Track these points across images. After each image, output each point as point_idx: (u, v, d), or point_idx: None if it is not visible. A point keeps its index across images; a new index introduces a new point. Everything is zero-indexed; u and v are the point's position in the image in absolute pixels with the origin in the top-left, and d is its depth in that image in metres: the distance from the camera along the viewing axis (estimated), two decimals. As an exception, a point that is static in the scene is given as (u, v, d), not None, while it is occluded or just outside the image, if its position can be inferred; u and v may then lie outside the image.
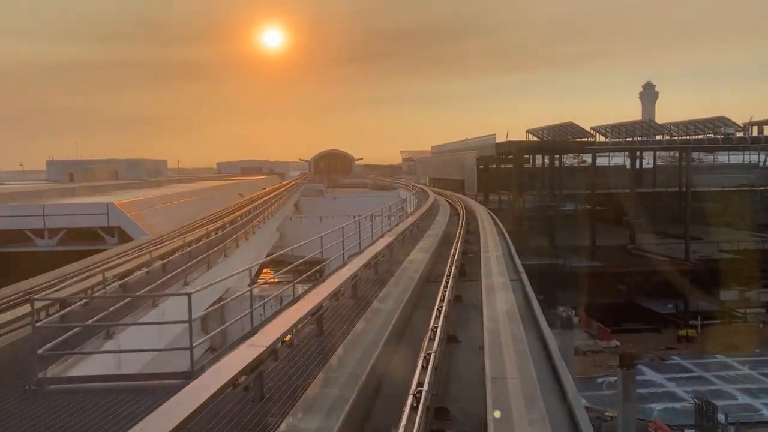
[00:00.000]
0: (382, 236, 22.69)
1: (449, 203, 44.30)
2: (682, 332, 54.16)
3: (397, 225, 26.66)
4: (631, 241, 68.23)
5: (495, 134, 60.49)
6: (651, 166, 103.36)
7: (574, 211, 59.73)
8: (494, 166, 71.84)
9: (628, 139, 61.68)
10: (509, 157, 64.61)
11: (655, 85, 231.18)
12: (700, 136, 60.28)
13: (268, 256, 36.05)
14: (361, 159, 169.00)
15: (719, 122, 67.47)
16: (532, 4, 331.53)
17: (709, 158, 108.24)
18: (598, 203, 63.58)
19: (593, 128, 70.41)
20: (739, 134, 72.47)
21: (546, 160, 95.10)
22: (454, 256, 18.57)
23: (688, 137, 62.14)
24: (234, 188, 77.52)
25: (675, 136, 67.66)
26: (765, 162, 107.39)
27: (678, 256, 61.68)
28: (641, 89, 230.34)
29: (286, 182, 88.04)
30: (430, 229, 26.20)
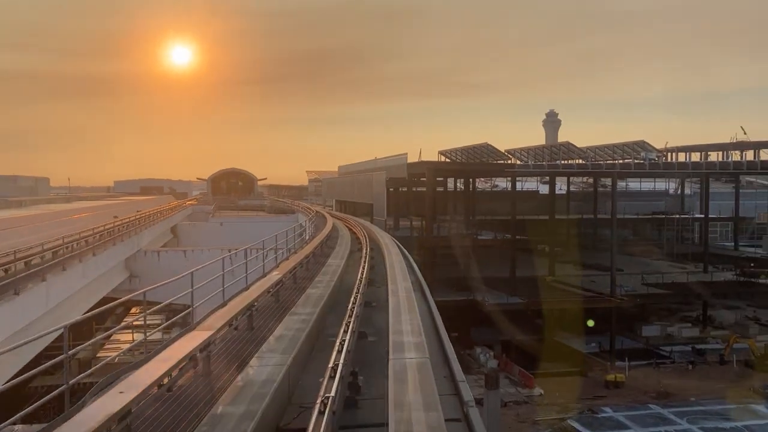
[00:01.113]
0: (245, 290, 14.89)
1: (350, 231, 36.83)
2: (610, 377, 48.73)
3: (279, 265, 18.93)
4: (550, 272, 62.99)
5: (407, 153, 53.98)
6: (564, 191, 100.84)
7: (493, 241, 53.70)
8: (405, 189, 65.49)
9: (549, 163, 56.51)
10: (422, 179, 58.19)
11: (557, 113, 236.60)
12: (626, 160, 55.87)
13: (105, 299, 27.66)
14: (265, 179, 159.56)
15: (638, 146, 63.91)
16: (441, 32, 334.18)
17: (621, 184, 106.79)
18: (517, 231, 57.94)
19: (508, 151, 65.34)
20: (654, 159, 69.68)
21: (460, 184, 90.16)
22: (351, 314, 11.18)
23: (614, 161, 57.62)
24: (110, 209, 67.18)
25: (594, 161, 63.22)
26: (677, 189, 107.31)
27: (602, 290, 56.72)
28: (544, 117, 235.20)
29: (173, 203, 78.18)
30: (319, 275, 18.47)
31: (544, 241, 63.68)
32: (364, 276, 16.61)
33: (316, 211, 48.08)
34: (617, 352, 54.05)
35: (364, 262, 19.14)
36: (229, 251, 27.65)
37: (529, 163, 52.39)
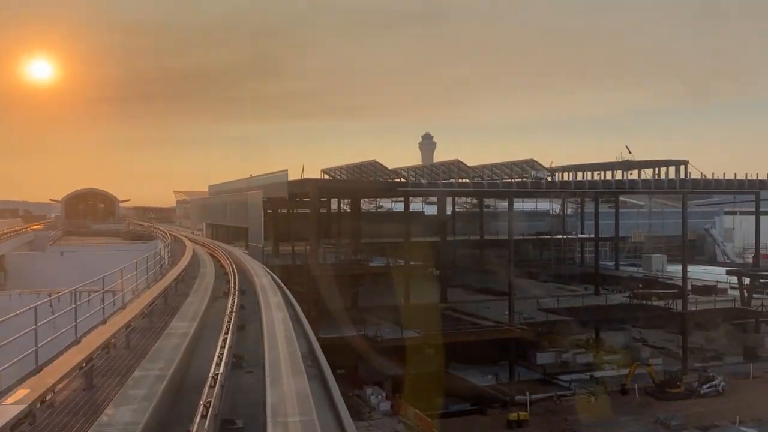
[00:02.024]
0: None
1: (216, 264, 30.02)
2: (513, 416, 44.52)
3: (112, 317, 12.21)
4: (442, 299, 58.47)
5: (287, 170, 47.65)
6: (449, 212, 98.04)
7: (385, 267, 48.29)
8: (286, 210, 59.03)
9: (444, 182, 52.11)
10: (305, 199, 52.08)
11: (433, 136, 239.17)
12: (521, 179, 52.58)
13: None
14: (128, 200, 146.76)
15: (528, 165, 61.45)
16: (319, 53, 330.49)
17: (503, 204, 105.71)
18: (408, 254, 52.98)
19: (394, 170, 60.76)
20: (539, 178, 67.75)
21: (344, 205, 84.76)
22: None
23: (506, 180, 54.23)
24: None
25: (486, 179, 59.72)
26: (558, 210, 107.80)
27: (498, 318, 52.84)
28: (420, 139, 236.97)
29: (14, 229, 66.89)
30: (167, 329, 11.80)
31: (435, 265, 59.24)
32: (223, 363, 10.14)
33: (175, 237, 40.92)
34: (516, 383, 50.24)
35: (229, 325, 12.61)
36: (50, 295, 20.93)
37: (422, 182, 47.80)
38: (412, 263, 48.54)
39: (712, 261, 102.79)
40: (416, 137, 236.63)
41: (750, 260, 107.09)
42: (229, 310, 14.28)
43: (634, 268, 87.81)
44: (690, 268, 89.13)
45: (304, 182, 46.80)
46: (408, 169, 63.37)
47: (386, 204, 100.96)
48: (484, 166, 61.16)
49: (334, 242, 59.62)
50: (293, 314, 16.01)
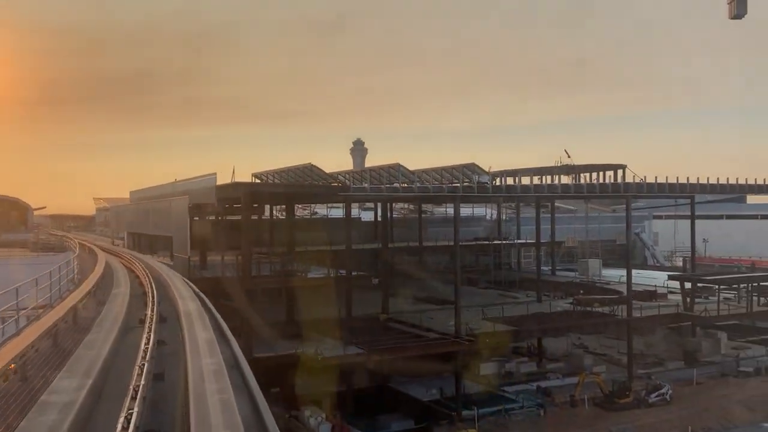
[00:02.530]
0: None
1: (132, 275, 26.03)
2: (461, 433, 42.02)
3: None
4: (383, 309, 55.44)
5: (216, 173, 43.60)
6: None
7: (325, 279, 44.81)
8: (215, 218, 54.79)
9: (387, 186, 49.06)
10: (236, 205, 48.09)
11: (364, 142, 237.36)
12: (464, 184, 50.19)
13: None
14: (44, 208, 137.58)
15: (468, 169, 59.30)
16: (248, 60, 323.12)
17: (440, 210, 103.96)
18: (344, 263, 49.68)
19: (332, 174, 57.48)
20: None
21: (277, 212, 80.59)
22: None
23: (447, 184, 51.72)
24: None
25: (426, 183, 57.14)
26: (494, 215, 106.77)
27: (442, 329, 50.24)
28: (352, 145, 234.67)
29: None
30: (41, 398, 8.14)
31: (376, 274, 56.29)
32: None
33: (90, 248, 36.50)
34: (463, 397, 47.71)
35: (138, 385, 9.00)
36: None
37: (365, 186, 44.64)
38: (353, 273, 45.26)
39: (643, 265, 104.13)
40: (347, 143, 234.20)
41: (679, 263, 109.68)
42: (142, 352, 10.71)
43: (571, 273, 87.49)
44: (619, 272, 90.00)
45: (235, 186, 42.83)
46: (345, 173, 60.19)
47: (321, 210, 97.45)
48: (424, 171, 58.55)
49: (267, 251, 55.68)
50: (230, 357, 12.50)
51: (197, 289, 24.67)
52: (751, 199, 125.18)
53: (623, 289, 72.52)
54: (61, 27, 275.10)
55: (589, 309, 58.53)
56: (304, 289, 43.38)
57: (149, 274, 26.97)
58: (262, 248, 57.17)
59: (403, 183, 56.04)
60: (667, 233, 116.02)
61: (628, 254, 57.60)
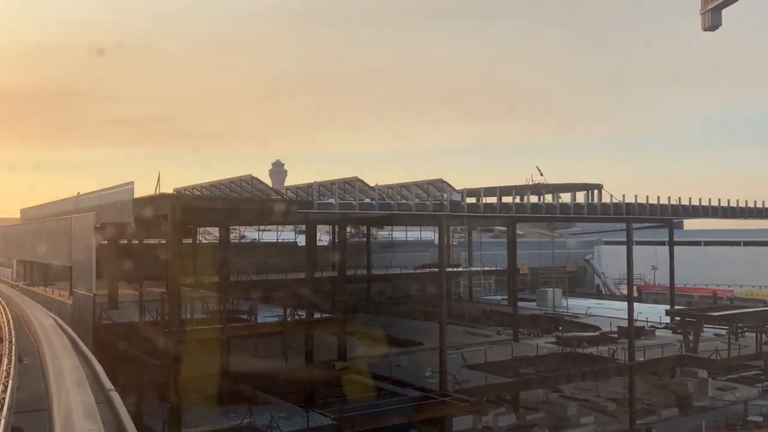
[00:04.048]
0: None
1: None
2: None
3: None
4: (340, 354, 45.07)
5: (133, 182, 32.67)
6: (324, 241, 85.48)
7: (279, 324, 34.20)
8: (132, 241, 43.52)
9: (342, 202, 38.93)
10: (156, 225, 37.05)
11: (284, 164, 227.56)
12: (433, 201, 40.92)
13: None
14: None
15: (435, 186, 50.46)
16: (159, 78, 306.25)
17: (383, 233, 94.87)
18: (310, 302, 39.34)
19: (275, 189, 47.22)
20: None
21: (197, 236, 68.97)
22: None
23: (424, 202, 42.26)
24: None
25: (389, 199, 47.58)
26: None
27: (420, 382, 40.74)
28: (271, 167, 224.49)
29: None
30: None
31: (330, 309, 46.00)
32: None
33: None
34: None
35: None
36: None
37: (332, 201, 34.78)
38: (318, 315, 35.03)
39: (598, 294, 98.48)
40: (266, 165, 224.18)
41: (625, 291, 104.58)
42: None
43: (529, 303, 79.84)
44: (579, 301, 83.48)
45: (160, 199, 31.97)
46: (292, 188, 49.78)
47: (249, 233, 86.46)
48: (388, 186, 48.93)
49: (196, 283, 44.73)
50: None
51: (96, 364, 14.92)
52: (689, 224, 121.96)
53: (595, 322, 65.88)
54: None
55: (577, 351, 50.40)
56: (252, 337, 32.90)
57: (17, 340, 16.57)
58: (188, 279, 46.18)
59: (360, 200, 46.34)
60: (609, 259, 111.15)
61: (630, 284, 49.90)
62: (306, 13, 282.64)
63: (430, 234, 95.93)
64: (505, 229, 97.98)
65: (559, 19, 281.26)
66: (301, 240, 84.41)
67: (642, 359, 46.88)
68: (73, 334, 20.22)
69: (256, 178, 43.69)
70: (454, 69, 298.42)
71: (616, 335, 55.73)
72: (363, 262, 74.68)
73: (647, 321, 61.33)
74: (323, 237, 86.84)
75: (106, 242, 39.72)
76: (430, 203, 38.47)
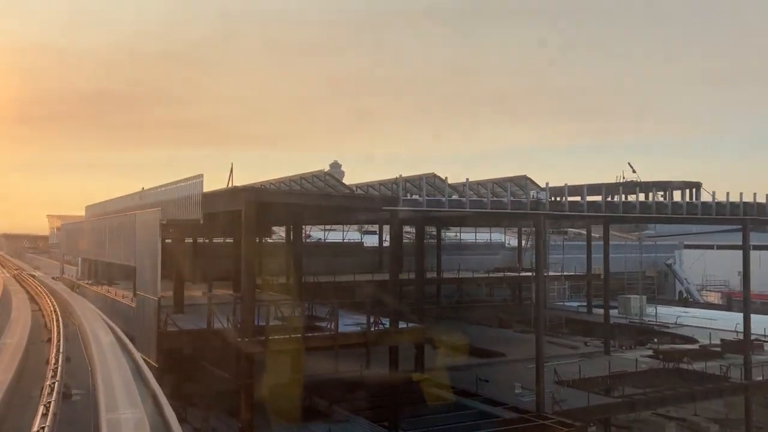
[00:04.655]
0: None
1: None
2: None
3: None
4: (417, 365, 41.19)
5: (203, 176, 29.66)
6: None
7: (362, 334, 30.38)
8: (202, 240, 40.89)
9: (430, 199, 34.92)
10: (226, 223, 34.03)
11: (341, 165, 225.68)
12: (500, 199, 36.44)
13: None
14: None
15: (517, 183, 46.02)
16: (224, 82, 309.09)
17: (449, 234, 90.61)
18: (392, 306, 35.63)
19: (358, 185, 43.76)
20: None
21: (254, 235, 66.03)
22: None
23: (500, 199, 37.88)
24: None
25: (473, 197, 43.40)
26: (511, 242, 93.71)
27: (509, 400, 36.55)
28: (328, 167, 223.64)
29: None
30: None
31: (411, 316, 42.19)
32: None
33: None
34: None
35: None
36: None
37: (418, 198, 31.08)
38: (403, 325, 31.21)
39: (685, 301, 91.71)
40: (324, 166, 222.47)
41: (711, 299, 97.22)
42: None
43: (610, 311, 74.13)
44: (664, 309, 77.27)
45: (234, 193, 28.75)
46: (361, 186, 46.24)
47: (315, 233, 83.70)
48: (461, 184, 44.85)
49: (260, 283, 41.71)
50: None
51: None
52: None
53: (690, 333, 60.02)
54: (42, 46, 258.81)
55: (681, 367, 45.12)
56: (333, 348, 29.37)
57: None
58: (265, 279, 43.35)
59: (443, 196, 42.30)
60: (691, 264, 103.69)
61: (746, 293, 44.28)
62: (368, 14, 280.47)
63: (498, 236, 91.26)
64: (579, 231, 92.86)
65: (645, 18, 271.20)
66: (367, 240, 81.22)
67: (760, 378, 41.36)
68: (140, 361, 16.98)
69: (329, 174, 40.39)
70: (525, 68, 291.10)
71: (719, 349, 50.22)
72: (428, 265, 70.90)
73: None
74: (386, 237, 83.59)
75: (170, 241, 37.01)
76: (527, 201, 34.21)
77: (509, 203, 33.55)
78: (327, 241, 75.82)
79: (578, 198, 45.45)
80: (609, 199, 49.50)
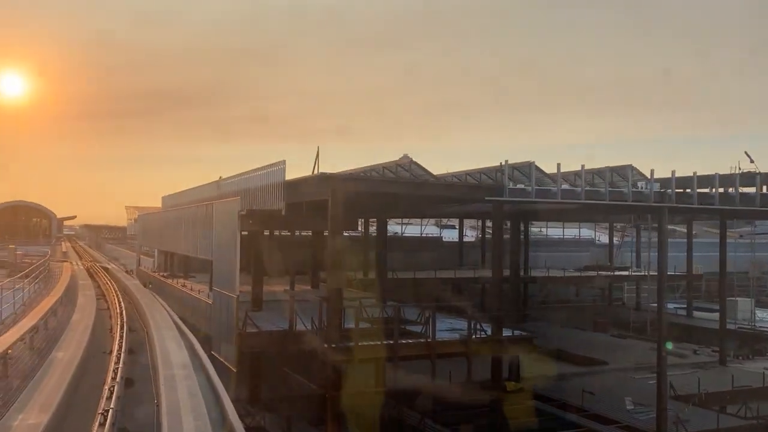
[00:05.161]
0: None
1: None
2: None
3: None
4: (512, 373, 37.20)
5: (285, 161, 26.77)
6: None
7: (464, 342, 26.70)
8: (285, 233, 38.28)
9: (540, 188, 30.87)
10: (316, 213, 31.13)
11: (411, 157, 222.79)
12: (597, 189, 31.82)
13: None
14: (74, 217, 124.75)
15: (618, 173, 41.16)
16: (295, 77, 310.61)
17: (534, 230, 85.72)
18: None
19: (440, 177, 40.09)
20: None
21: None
22: None
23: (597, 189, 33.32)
24: None
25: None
26: (601, 238, 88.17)
27: (625, 419, 32.26)
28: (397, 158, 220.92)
29: None
30: None
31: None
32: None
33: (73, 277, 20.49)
34: None
35: None
36: None
37: (525, 187, 27.19)
38: (509, 333, 27.48)
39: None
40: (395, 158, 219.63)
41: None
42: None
43: (709, 314, 67.81)
44: (772, 314, 70.18)
45: (320, 181, 25.71)
46: (443, 177, 42.40)
47: (393, 227, 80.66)
48: (563, 174, 40.43)
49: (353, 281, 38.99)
50: None
51: None
52: None
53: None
54: (117, 43, 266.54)
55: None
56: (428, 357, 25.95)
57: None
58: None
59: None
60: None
61: None
62: (441, 8, 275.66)
63: (587, 232, 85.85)
64: (677, 228, 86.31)
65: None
66: (447, 235, 77.62)
67: None
68: (219, 388, 13.93)
69: (415, 162, 36.85)
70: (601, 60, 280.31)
71: None
72: (504, 261, 66.69)
73: None
74: (467, 232, 79.61)
75: (247, 233, 34.42)
76: (650, 193, 29.79)
77: (630, 194, 29.19)
78: (404, 235, 72.49)
79: (687, 189, 40.46)
80: (723, 190, 44.10)
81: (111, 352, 15.57)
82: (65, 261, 50.95)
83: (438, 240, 74.38)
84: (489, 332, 26.85)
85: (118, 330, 18.49)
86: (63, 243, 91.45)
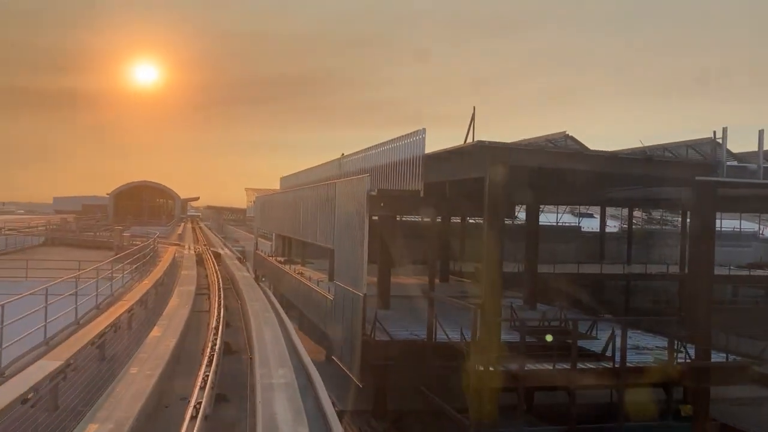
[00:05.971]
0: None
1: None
2: None
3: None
4: (687, 396, 29.98)
5: (424, 129, 21.41)
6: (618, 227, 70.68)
7: (662, 370, 20.45)
8: (424, 219, 33.05)
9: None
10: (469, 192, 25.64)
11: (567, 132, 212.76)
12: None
13: None
14: (197, 198, 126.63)
15: (700, 148, 31.32)
16: (403, 65, 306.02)
17: (676, 219, 76.05)
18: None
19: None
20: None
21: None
22: None
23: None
24: None
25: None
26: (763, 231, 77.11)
27: None
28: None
29: None
30: None
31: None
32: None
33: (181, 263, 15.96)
34: None
35: None
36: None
37: (751, 166, 20.48)
38: (718, 358, 20.86)
39: None
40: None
41: None
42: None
43: None
44: None
45: (475, 152, 20.01)
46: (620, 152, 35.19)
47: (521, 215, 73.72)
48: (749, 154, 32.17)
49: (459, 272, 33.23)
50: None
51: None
52: None
53: None
54: (238, 33, 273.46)
55: None
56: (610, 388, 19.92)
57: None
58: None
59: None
60: None
61: None
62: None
63: (748, 224, 74.96)
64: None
65: None
66: (586, 224, 69.90)
67: None
68: None
69: (571, 136, 30.39)
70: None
71: None
72: (654, 255, 57.99)
73: None
74: (610, 222, 71.55)
75: (376, 218, 29.61)
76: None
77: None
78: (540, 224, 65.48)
79: None
80: None
81: (189, 402, 8.47)
82: (176, 245, 48.35)
83: (576, 230, 66.83)
84: (691, 355, 20.26)
85: (206, 359, 10.74)
86: (183, 224, 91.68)
